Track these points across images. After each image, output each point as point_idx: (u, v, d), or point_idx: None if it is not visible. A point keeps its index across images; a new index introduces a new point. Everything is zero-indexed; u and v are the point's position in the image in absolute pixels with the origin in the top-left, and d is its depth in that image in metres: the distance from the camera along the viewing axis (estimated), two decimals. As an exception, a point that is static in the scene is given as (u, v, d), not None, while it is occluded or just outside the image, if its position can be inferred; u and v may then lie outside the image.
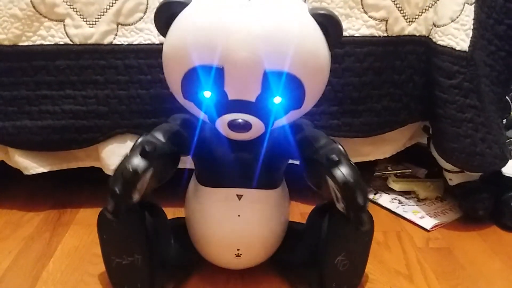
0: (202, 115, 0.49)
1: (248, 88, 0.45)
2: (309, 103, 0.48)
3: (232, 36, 0.43)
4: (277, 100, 0.46)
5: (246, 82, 0.44)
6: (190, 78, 0.45)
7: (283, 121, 0.49)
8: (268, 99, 0.45)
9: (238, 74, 0.44)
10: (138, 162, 0.45)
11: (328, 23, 0.46)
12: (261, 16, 0.44)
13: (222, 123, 0.47)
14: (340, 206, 0.48)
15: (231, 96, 0.45)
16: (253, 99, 0.45)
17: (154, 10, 0.62)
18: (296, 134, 0.53)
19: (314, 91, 0.48)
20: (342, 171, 0.46)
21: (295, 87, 0.45)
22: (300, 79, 0.45)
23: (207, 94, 0.46)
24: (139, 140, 0.49)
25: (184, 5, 0.46)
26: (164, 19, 0.47)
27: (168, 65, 0.48)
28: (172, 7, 0.47)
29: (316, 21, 0.46)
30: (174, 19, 0.47)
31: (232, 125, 0.46)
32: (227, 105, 0.46)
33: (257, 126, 0.46)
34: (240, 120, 0.45)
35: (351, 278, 0.56)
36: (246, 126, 0.46)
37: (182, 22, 0.46)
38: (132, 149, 0.47)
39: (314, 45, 0.46)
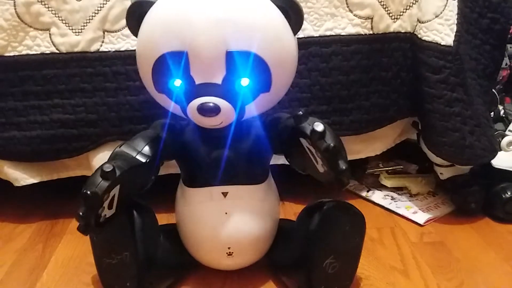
0: (173, 107, 0.50)
1: (212, 70, 0.46)
2: (277, 87, 0.49)
3: (193, 21, 0.45)
4: (244, 82, 0.47)
5: (209, 63, 0.46)
6: (160, 66, 0.47)
7: (253, 107, 0.49)
8: (235, 81, 0.46)
9: (201, 56, 0.45)
10: (99, 183, 0.45)
11: (288, 6, 0.48)
12: (223, 1, 0.46)
13: (192, 110, 0.47)
14: (320, 166, 0.48)
15: (198, 81, 0.46)
16: (219, 81, 0.46)
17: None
18: (275, 126, 0.53)
19: (281, 75, 0.49)
20: (308, 123, 0.47)
21: (260, 68, 0.47)
22: (264, 59, 0.46)
23: (177, 83, 0.47)
24: (115, 151, 0.50)
25: (152, 3, 0.48)
26: (136, 19, 0.49)
27: (140, 59, 0.50)
28: (141, 6, 0.49)
29: (277, 6, 0.47)
30: (144, 17, 0.49)
31: (201, 109, 0.46)
32: (194, 90, 0.47)
33: (226, 109, 0.47)
34: (209, 104, 0.46)
35: (342, 280, 0.55)
36: (215, 110, 0.46)
37: (150, 17, 0.48)
38: (99, 167, 0.47)
39: (276, 27, 0.47)
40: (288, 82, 0.51)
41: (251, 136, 0.53)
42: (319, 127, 0.45)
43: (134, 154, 0.50)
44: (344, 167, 0.46)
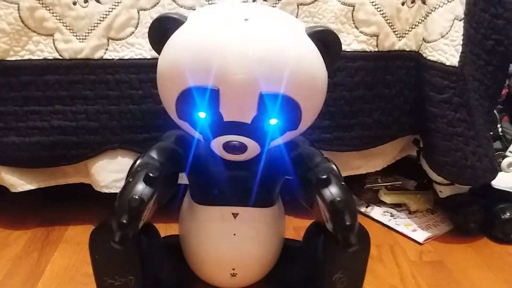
0: (197, 135, 0.48)
1: (244, 110, 0.44)
2: (305, 124, 0.48)
3: (227, 57, 0.42)
4: (273, 121, 0.45)
5: (242, 104, 0.44)
6: (185, 98, 0.44)
7: (279, 141, 0.48)
8: (264, 121, 0.45)
9: (234, 96, 0.43)
10: (143, 189, 0.43)
11: (327, 38, 0.46)
12: (257, 36, 0.43)
13: (217, 145, 0.46)
14: (329, 226, 0.47)
15: (226, 118, 0.45)
16: (248, 121, 0.44)
17: (146, 24, 0.64)
18: (291, 152, 0.53)
19: (310, 112, 0.47)
20: (331, 191, 0.45)
21: (291, 109, 0.45)
22: (297, 100, 0.44)
23: (201, 115, 0.45)
24: (138, 162, 0.48)
25: (179, 22, 0.45)
26: (158, 35, 0.46)
27: (162, 84, 0.47)
28: (166, 23, 0.46)
29: (314, 38, 0.45)
30: (168, 35, 0.46)
31: (227, 147, 0.45)
32: (222, 127, 0.45)
33: (252, 147, 0.46)
34: (235, 142, 0.45)
35: None
36: (242, 148, 0.45)
37: (177, 41, 0.45)
38: (134, 175, 0.45)
39: (311, 66, 0.45)
40: (315, 117, 0.49)
41: (266, 160, 0.51)
42: (339, 204, 0.44)
43: (158, 165, 0.48)
44: (348, 223, 0.44)
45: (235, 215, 0.51)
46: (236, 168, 0.50)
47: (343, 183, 0.47)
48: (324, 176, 0.45)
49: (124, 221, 0.42)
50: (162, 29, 0.46)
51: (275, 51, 0.43)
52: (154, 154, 0.49)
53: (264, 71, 0.42)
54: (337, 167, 0.51)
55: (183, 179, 0.56)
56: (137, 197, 0.42)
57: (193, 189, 0.54)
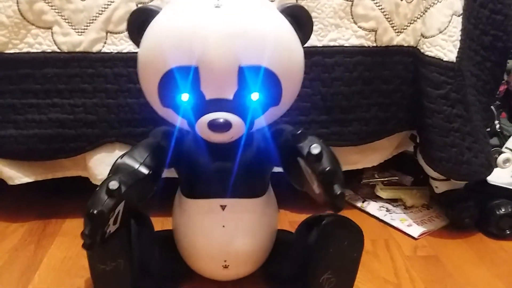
0: (180, 121, 0.49)
1: (225, 86, 0.45)
2: (286, 100, 0.49)
3: (205, 36, 0.44)
4: (255, 96, 0.46)
5: (222, 79, 0.45)
6: (167, 81, 0.45)
7: (262, 120, 0.49)
8: (246, 96, 0.46)
9: (213, 72, 0.44)
10: (104, 201, 0.44)
11: (298, 13, 0.48)
12: (232, 15, 0.45)
13: (201, 125, 0.46)
14: (316, 188, 0.47)
15: (208, 96, 0.45)
16: (230, 97, 0.45)
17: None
18: (278, 139, 0.53)
19: (290, 87, 0.48)
20: (306, 143, 0.46)
21: (271, 82, 0.46)
22: (276, 73, 0.45)
23: (184, 97, 0.46)
24: (117, 162, 0.49)
25: (156, 12, 0.47)
26: (137, 26, 0.48)
27: (144, 72, 0.48)
28: (144, 14, 0.48)
29: (286, 14, 0.47)
30: (146, 26, 0.47)
31: (212, 125, 0.45)
32: (205, 106, 0.46)
33: (237, 124, 0.46)
34: (220, 120, 0.45)
35: None
36: (226, 125, 0.46)
37: (156, 28, 0.47)
38: (103, 183, 0.46)
39: (288, 39, 0.47)
40: (296, 94, 0.51)
41: (252, 149, 0.52)
42: (315, 149, 0.44)
43: (136, 166, 0.48)
44: (338, 192, 0.44)
45: (223, 207, 0.52)
46: (221, 159, 0.51)
47: (331, 152, 0.46)
48: (299, 132, 0.46)
49: (86, 233, 0.44)
50: (140, 21, 0.48)
51: (251, 24, 0.45)
52: (136, 152, 0.50)
53: (242, 44, 0.44)
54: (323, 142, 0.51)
55: (174, 172, 0.56)
56: (95, 212, 0.43)
57: (182, 183, 0.55)
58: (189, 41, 0.44)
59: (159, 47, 0.45)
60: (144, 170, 0.49)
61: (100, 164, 0.69)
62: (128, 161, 0.49)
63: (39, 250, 0.66)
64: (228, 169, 0.51)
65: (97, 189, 0.45)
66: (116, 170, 0.48)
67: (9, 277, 0.60)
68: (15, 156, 0.68)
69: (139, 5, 0.49)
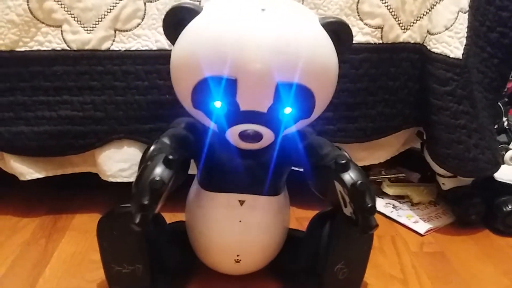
0: (212, 125, 0.49)
1: (261, 99, 0.45)
2: (317, 112, 0.49)
3: (245, 47, 0.42)
4: (288, 110, 0.46)
5: (259, 93, 0.44)
6: (201, 88, 0.45)
7: (292, 129, 0.50)
8: (279, 110, 0.46)
9: (252, 85, 0.44)
10: (162, 171, 0.44)
11: (339, 29, 0.47)
12: (274, 26, 0.43)
13: (233, 134, 0.47)
14: (348, 210, 0.48)
15: (243, 107, 0.45)
16: (264, 110, 0.45)
17: (152, 16, 0.65)
18: (301, 142, 0.53)
19: (323, 101, 0.49)
20: (351, 175, 0.46)
21: (306, 97, 0.46)
22: (311, 89, 0.45)
23: (217, 104, 0.46)
24: (153, 148, 0.48)
25: (195, 12, 0.46)
26: (173, 25, 0.46)
27: (177, 75, 0.48)
28: (181, 13, 0.46)
29: (327, 29, 0.46)
30: (183, 25, 0.46)
31: (243, 136, 0.46)
32: (238, 116, 0.46)
33: (267, 136, 0.47)
34: (251, 131, 0.46)
35: (350, 286, 0.57)
36: (257, 137, 0.46)
37: (193, 31, 0.45)
38: (151, 159, 0.46)
39: (325, 56, 0.46)
40: (326, 105, 0.50)
41: (275, 148, 0.52)
42: (361, 186, 0.45)
43: (170, 150, 0.48)
44: (370, 204, 0.45)
45: (241, 202, 0.52)
46: (247, 156, 0.51)
47: (359, 166, 0.48)
48: (344, 161, 0.46)
49: (146, 203, 0.43)
50: (177, 19, 0.46)
51: (291, 41, 0.43)
52: (166, 140, 0.50)
53: (281, 61, 0.43)
54: (348, 154, 0.52)
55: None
56: (157, 178, 0.43)
57: (202, 176, 0.55)
58: (227, 51, 0.43)
59: (196, 52, 0.44)
60: (179, 156, 0.48)
61: (109, 160, 0.70)
62: (164, 146, 0.49)
63: (50, 244, 0.67)
64: (250, 166, 0.52)
65: (148, 163, 0.45)
66: (153, 154, 0.47)
67: (21, 270, 0.61)
68: (26, 152, 0.69)
69: (177, 3, 0.46)
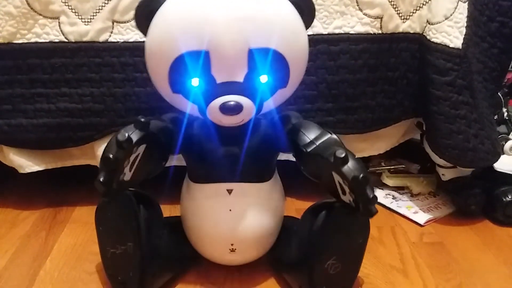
0: (190, 107, 0.49)
1: (235, 69, 0.46)
2: (293, 82, 0.50)
3: (215, 20, 0.44)
4: (264, 79, 0.47)
5: (233, 62, 0.45)
6: (178, 66, 0.46)
7: (270, 103, 0.50)
8: (256, 78, 0.47)
9: (224, 55, 0.45)
10: (132, 131, 0.45)
11: (303, 3, 0.48)
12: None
13: (213, 109, 0.47)
14: (347, 198, 0.48)
15: (219, 80, 0.46)
16: (241, 80, 0.46)
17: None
18: (285, 126, 0.54)
19: (297, 70, 0.49)
20: (350, 167, 0.46)
21: (280, 64, 0.47)
22: (284, 55, 0.46)
23: (195, 82, 0.46)
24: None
25: (162, 0, 0.47)
26: (145, 16, 0.48)
27: (153, 59, 0.48)
28: (151, 4, 0.48)
29: (291, 2, 0.48)
30: (154, 14, 0.47)
31: (224, 108, 0.46)
32: (216, 89, 0.46)
33: (247, 106, 0.47)
34: (231, 102, 0.46)
35: (343, 282, 0.55)
36: (238, 107, 0.46)
37: (165, 14, 0.47)
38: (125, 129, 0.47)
39: (295, 23, 0.48)
40: (301, 77, 0.51)
41: (258, 134, 0.53)
42: (360, 178, 0.45)
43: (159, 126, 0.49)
44: (371, 196, 0.46)
45: (229, 191, 0.53)
46: (229, 144, 0.52)
47: (356, 156, 0.47)
48: (343, 155, 0.46)
49: (110, 156, 0.44)
50: (149, 10, 0.48)
51: (259, 8, 0.45)
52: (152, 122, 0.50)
53: (251, 27, 0.45)
54: (337, 137, 0.52)
55: (184, 161, 0.57)
56: (126, 135, 0.44)
57: (189, 168, 0.56)
58: (199, 26, 0.44)
59: (169, 33, 0.46)
60: (158, 136, 0.49)
61: (108, 152, 0.70)
62: (129, 126, 0.49)
63: (50, 237, 0.67)
64: (235, 154, 0.52)
65: (110, 139, 0.46)
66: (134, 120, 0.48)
67: (22, 262, 0.62)
68: (25, 145, 0.69)
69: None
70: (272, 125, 0.54)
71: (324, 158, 0.48)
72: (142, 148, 0.47)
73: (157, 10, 0.47)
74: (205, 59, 0.45)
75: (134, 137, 0.45)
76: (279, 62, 0.47)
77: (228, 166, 0.52)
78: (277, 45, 0.46)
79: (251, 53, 0.45)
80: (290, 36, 0.47)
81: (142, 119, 0.46)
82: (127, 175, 0.48)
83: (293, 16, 0.48)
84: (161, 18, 0.47)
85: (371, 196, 0.46)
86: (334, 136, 0.51)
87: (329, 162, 0.47)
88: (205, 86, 0.47)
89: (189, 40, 0.45)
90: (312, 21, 0.51)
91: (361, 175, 0.45)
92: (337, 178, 0.48)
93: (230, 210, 0.53)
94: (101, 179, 0.44)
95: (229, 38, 0.44)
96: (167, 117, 0.55)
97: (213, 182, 0.53)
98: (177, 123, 0.54)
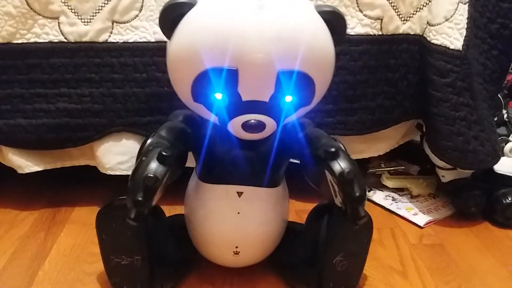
0: (212, 118, 0.49)
1: (263, 89, 0.45)
2: (317, 99, 0.49)
3: (245, 37, 0.42)
4: (289, 98, 0.46)
5: (261, 83, 0.44)
6: (202, 81, 0.45)
7: (292, 118, 0.50)
8: (281, 98, 0.46)
9: (253, 75, 0.44)
10: (156, 167, 0.44)
11: (334, 19, 0.47)
12: (272, 16, 0.44)
13: (235, 125, 0.47)
14: (338, 200, 0.48)
15: (244, 97, 0.45)
16: (266, 99, 0.45)
17: (150, 8, 0.64)
18: (299, 133, 0.53)
19: (322, 87, 0.49)
20: (340, 163, 0.46)
21: (307, 85, 0.46)
22: (312, 77, 0.46)
23: (218, 96, 0.46)
24: (149, 142, 0.48)
25: (191, 5, 0.45)
26: (171, 20, 0.46)
27: (176, 68, 0.47)
28: (178, 8, 0.45)
29: (322, 18, 0.46)
30: (180, 19, 0.45)
31: (247, 126, 0.46)
32: (240, 107, 0.46)
33: (270, 125, 0.47)
34: (254, 121, 0.46)
35: (349, 279, 0.56)
36: (260, 127, 0.46)
37: (190, 24, 0.45)
38: (146, 154, 0.46)
39: (324, 43, 0.46)
40: (324, 93, 0.50)
41: (273, 139, 0.52)
42: (346, 173, 0.45)
43: (169, 144, 0.49)
44: (358, 194, 0.45)
45: (239, 193, 0.52)
46: (246, 147, 0.51)
47: (350, 156, 0.48)
48: (333, 149, 0.46)
49: (140, 199, 0.43)
50: (175, 15, 0.45)
51: (290, 29, 0.44)
52: (164, 133, 0.50)
53: (281, 49, 0.43)
54: (343, 145, 0.52)
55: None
56: (151, 175, 0.43)
57: (199, 167, 0.55)
58: (227, 42, 0.43)
59: (195, 46, 0.44)
60: (176, 150, 0.48)
61: (108, 153, 0.70)
62: (160, 140, 0.49)
63: (49, 237, 0.67)
64: (249, 158, 0.52)
65: (143, 158, 0.45)
66: (149, 148, 0.47)
67: (21, 263, 0.61)
68: (24, 145, 0.69)
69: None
70: (286, 131, 0.53)
71: (318, 155, 0.48)
72: (166, 177, 0.46)
73: (184, 15, 0.45)
74: (233, 76, 0.43)
75: (160, 174, 0.44)
76: (306, 83, 0.46)
77: (241, 169, 0.52)
78: (306, 68, 0.45)
79: (279, 74, 0.44)
80: (319, 57, 0.46)
81: (164, 153, 0.44)
82: (154, 201, 0.47)
83: (323, 35, 0.46)
84: (187, 27, 0.45)
85: (358, 194, 0.45)
86: (340, 143, 0.52)
87: (321, 158, 0.47)
88: (229, 101, 0.46)
89: (218, 55, 0.43)
90: (344, 37, 0.50)
91: (348, 171, 0.45)
92: (329, 177, 0.47)
93: (239, 213, 0.52)
94: (132, 217, 0.44)
95: (261, 58, 0.43)
96: (180, 115, 0.55)
97: (224, 184, 0.52)
98: (192, 122, 0.53)
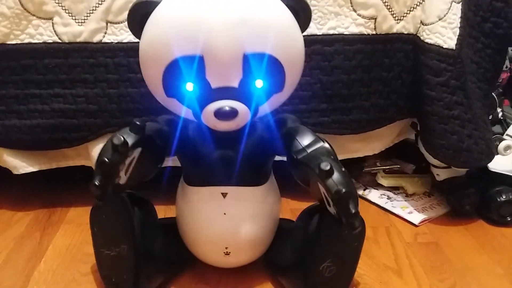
0: (185, 111, 0.49)
1: (230, 74, 0.45)
2: (289, 86, 0.49)
3: (209, 24, 0.44)
4: (259, 83, 0.46)
5: (227, 67, 0.45)
6: (172, 71, 0.45)
7: (265, 107, 0.50)
8: (251, 83, 0.46)
9: (219, 60, 0.44)
10: (128, 134, 0.45)
11: (298, 6, 0.48)
12: (237, 2, 0.45)
13: (208, 114, 0.46)
14: (331, 210, 0.48)
15: (213, 84, 0.46)
16: (236, 85, 0.46)
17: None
18: (280, 129, 0.53)
19: (293, 74, 0.49)
20: (334, 181, 0.45)
21: (275, 69, 0.46)
22: (279, 60, 0.46)
23: (189, 87, 0.46)
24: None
25: (156, 3, 0.47)
26: (139, 20, 0.47)
27: (147, 63, 0.48)
28: (145, 7, 0.47)
29: (286, 5, 0.47)
30: (147, 18, 0.47)
31: (219, 114, 0.46)
32: (210, 94, 0.46)
33: (243, 112, 0.47)
34: (226, 108, 0.46)
35: (338, 284, 0.54)
36: (233, 113, 0.46)
37: (158, 18, 0.46)
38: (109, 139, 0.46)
39: (290, 27, 0.47)
40: (297, 80, 0.51)
41: (254, 138, 0.52)
42: (343, 193, 0.44)
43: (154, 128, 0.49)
44: (353, 211, 0.45)
45: (224, 194, 0.52)
46: (224, 147, 0.51)
47: (343, 168, 0.46)
48: (328, 168, 0.45)
49: (106, 160, 0.43)
50: (141, 13, 0.47)
51: (254, 12, 0.45)
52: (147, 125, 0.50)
53: (246, 32, 0.44)
54: (330, 146, 0.51)
55: (178, 162, 0.57)
56: (120, 136, 0.44)
57: (184, 171, 0.56)
58: (193, 30, 0.44)
59: (163, 37, 0.45)
60: (154, 139, 0.49)
61: (103, 153, 0.70)
62: (124, 129, 0.49)
63: (45, 238, 0.67)
64: (230, 158, 0.52)
65: (106, 142, 0.45)
66: (134, 126, 0.48)
67: (16, 263, 0.61)
68: (19, 146, 0.69)
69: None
70: (267, 128, 0.53)
71: (311, 168, 0.47)
72: (137, 152, 0.47)
73: (150, 13, 0.47)
74: (199, 64, 0.44)
75: (130, 140, 0.45)
76: (275, 67, 0.46)
77: (223, 170, 0.52)
78: (272, 50, 0.45)
79: (246, 58, 0.44)
80: (286, 40, 0.47)
81: (138, 122, 0.46)
82: (123, 178, 0.47)
83: (288, 19, 0.47)
84: (154, 22, 0.46)
85: (353, 211, 0.45)
86: (327, 145, 0.50)
87: (315, 172, 0.46)
88: (199, 91, 0.46)
89: (183, 44, 0.44)
90: (308, 24, 0.50)
91: (344, 190, 0.44)
92: (322, 189, 0.47)
93: (225, 213, 0.53)
94: (97, 183, 0.44)
95: (224, 43, 0.44)
96: (162, 119, 0.55)
97: (207, 186, 0.53)
98: (173, 125, 0.53)
